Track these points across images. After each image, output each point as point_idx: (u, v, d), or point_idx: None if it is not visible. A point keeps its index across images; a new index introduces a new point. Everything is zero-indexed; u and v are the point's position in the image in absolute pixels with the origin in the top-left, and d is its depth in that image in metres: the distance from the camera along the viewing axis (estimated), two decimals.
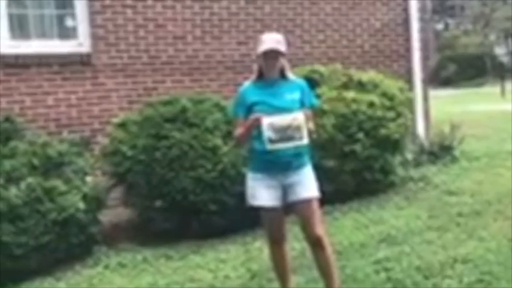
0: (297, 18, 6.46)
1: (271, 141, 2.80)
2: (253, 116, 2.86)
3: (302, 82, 3.07)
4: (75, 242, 4.12)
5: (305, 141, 2.84)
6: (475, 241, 3.77)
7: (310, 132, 2.90)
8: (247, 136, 2.95)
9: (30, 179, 4.00)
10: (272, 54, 2.88)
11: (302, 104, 2.97)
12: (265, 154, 2.87)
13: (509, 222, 4.08)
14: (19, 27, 5.35)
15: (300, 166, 2.93)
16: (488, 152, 6.54)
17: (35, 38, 5.40)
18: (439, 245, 3.75)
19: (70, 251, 4.13)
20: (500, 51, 33.31)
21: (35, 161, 4.14)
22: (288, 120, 2.80)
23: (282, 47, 2.91)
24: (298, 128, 2.80)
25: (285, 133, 2.80)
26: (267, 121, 2.80)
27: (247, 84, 3.04)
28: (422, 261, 3.49)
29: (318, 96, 4.74)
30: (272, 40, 2.92)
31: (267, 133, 2.79)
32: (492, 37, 32.40)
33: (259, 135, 2.86)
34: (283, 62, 2.96)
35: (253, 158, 3.01)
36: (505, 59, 30.95)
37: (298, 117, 2.81)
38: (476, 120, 9.79)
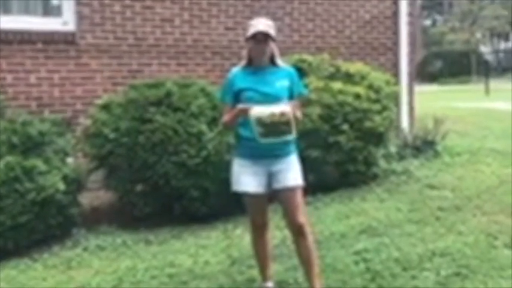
0: (286, 6, 6.42)
1: (261, 134, 2.76)
2: (240, 106, 2.83)
3: (292, 70, 3.04)
4: (53, 223, 4.07)
5: (293, 135, 2.81)
6: (453, 235, 3.82)
7: (297, 122, 2.87)
8: (234, 123, 2.93)
9: (9, 158, 3.93)
10: (262, 38, 2.84)
11: (291, 92, 2.94)
12: (251, 141, 2.84)
13: (488, 218, 4.14)
14: (2, 2, 5.21)
15: (286, 154, 2.92)
16: (470, 149, 6.61)
17: (18, 13, 5.27)
18: (419, 238, 3.79)
19: (48, 232, 4.07)
20: (485, 49, 33.71)
21: (15, 140, 4.06)
22: (276, 116, 2.72)
23: (272, 31, 2.87)
24: (287, 123, 2.74)
25: (274, 129, 2.74)
26: (254, 114, 2.73)
27: (235, 69, 3.00)
28: (401, 253, 3.52)
29: (306, 86, 4.72)
30: (262, 24, 2.88)
31: (256, 128, 2.75)
32: (478, 35, 32.74)
33: (245, 122, 2.83)
34: (273, 48, 2.92)
35: (240, 144, 2.98)
36: (490, 57, 31.34)
37: (286, 112, 2.73)
38: (460, 116, 9.89)
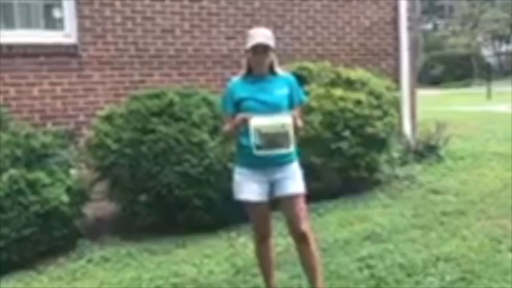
0: (286, 14, 6.45)
1: (258, 147, 2.76)
2: (240, 116, 2.84)
3: (291, 78, 3.05)
4: (58, 235, 4.08)
5: (291, 148, 2.81)
6: (458, 240, 3.81)
7: (298, 130, 2.88)
8: (235, 133, 2.94)
9: (12, 171, 3.95)
10: (261, 49, 2.86)
11: (291, 100, 2.96)
12: (252, 150, 2.85)
13: (492, 222, 4.13)
14: (4, 17, 5.27)
15: (287, 162, 2.92)
16: (472, 152, 6.61)
17: (20, 27, 5.32)
18: (423, 243, 3.78)
19: (53, 244, 4.08)
20: (487, 52, 33.72)
21: (18, 153, 4.08)
22: (276, 127, 2.72)
23: (271, 42, 2.89)
24: (285, 135, 2.74)
25: (272, 141, 2.74)
26: (254, 124, 2.73)
27: (235, 79, 3.02)
28: (406, 259, 3.52)
29: (307, 93, 4.74)
30: (261, 35, 2.89)
31: (254, 139, 2.74)
32: (480, 38, 32.74)
33: (246, 131, 2.83)
34: (272, 57, 2.94)
35: (241, 153, 2.99)
36: (491, 60, 31.32)
37: (285, 124, 2.72)
38: (462, 120, 9.89)
